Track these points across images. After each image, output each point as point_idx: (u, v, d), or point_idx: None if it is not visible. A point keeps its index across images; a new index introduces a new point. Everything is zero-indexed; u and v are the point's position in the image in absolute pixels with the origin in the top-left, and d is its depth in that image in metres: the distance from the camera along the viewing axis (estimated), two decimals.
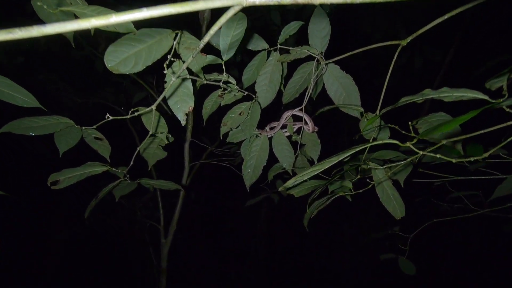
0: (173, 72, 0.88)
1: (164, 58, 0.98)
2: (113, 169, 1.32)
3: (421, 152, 0.78)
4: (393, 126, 0.95)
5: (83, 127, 1.18)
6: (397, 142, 0.67)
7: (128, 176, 1.38)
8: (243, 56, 3.25)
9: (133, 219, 4.15)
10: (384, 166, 1.06)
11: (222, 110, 1.60)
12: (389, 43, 0.99)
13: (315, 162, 1.73)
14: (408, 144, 0.66)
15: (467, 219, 2.22)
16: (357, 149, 0.66)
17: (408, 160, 0.86)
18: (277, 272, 6.39)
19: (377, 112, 1.11)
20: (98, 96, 4.15)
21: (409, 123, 0.93)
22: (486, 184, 2.05)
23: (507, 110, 0.71)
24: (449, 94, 0.71)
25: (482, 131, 0.75)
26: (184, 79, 1.00)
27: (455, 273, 5.27)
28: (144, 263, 4.52)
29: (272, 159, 1.75)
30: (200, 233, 6.55)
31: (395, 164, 1.01)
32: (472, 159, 0.80)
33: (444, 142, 0.73)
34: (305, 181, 1.61)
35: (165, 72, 0.85)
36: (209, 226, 6.78)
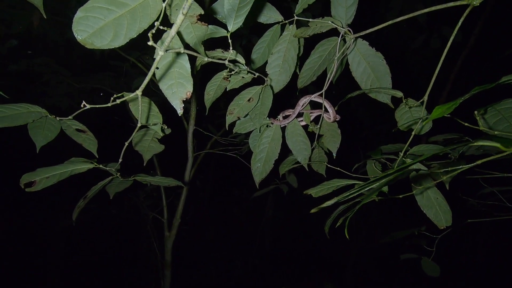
0: (161, 47, 0.66)
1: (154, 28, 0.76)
2: (101, 166, 1.12)
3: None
4: (456, 119, 0.72)
5: (59, 118, 0.97)
6: (498, 145, 0.45)
7: (119, 173, 1.18)
8: (250, 35, 2.98)
9: (137, 209, 4.02)
10: (441, 170, 0.84)
11: (229, 95, 1.38)
12: (454, 4, 0.74)
13: (334, 155, 1.52)
14: None
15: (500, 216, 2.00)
16: (425, 157, 0.44)
17: (471, 165, 0.64)
18: (283, 262, 6.32)
19: (425, 97, 0.88)
20: (97, 81, 3.93)
21: (475, 112, 0.70)
22: None
23: None
24: None
25: None
26: (179, 57, 0.77)
27: (481, 275, 5.06)
28: (149, 254, 4.44)
29: (284, 151, 1.54)
30: (205, 222, 6.46)
31: (455, 169, 0.78)
32: None
33: None
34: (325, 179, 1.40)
35: (149, 43, 0.63)
36: (215, 215, 6.68)
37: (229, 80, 1.12)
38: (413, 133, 0.93)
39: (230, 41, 0.84)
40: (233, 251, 6.28)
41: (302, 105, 1.34)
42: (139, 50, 3.22)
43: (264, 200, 6.33)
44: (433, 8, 0.79)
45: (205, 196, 6.44)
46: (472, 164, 0.63)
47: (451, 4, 0.75)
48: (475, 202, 2.10)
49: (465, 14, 0.75)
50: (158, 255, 3.19)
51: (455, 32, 0.75)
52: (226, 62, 0.83)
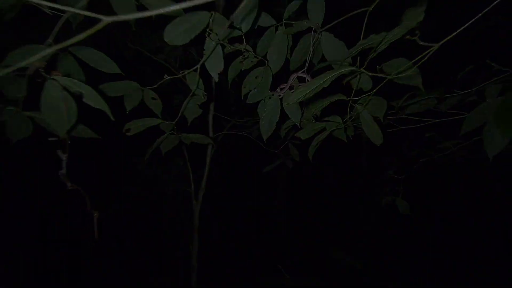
0: (211, 40, 1.31)
1: (196, 37, 1.41)
2: (165, 122, 1.78)
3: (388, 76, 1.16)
4: (365, 71, 1.33)
5: (144, 88, 1.64)
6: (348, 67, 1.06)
7: (175, 127, 1.84)
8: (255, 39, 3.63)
9: (166, 191, 4.75)
10: (359, 97, 1.46)
11: (238, 93, 2.02)
12: None
13: (318, 116, 2.14)
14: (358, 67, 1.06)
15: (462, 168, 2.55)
16: (338, 72, 1.06)
17: (379, 86, 1.26)
18: (293, 232, 7.08)
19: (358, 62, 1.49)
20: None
21: (377, 67, 1.32)
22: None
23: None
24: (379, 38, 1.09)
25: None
26: (217, 47, 1.42)
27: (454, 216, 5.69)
28: (178, 226, 5.14)
29: (284, 118, 2.17)
30: (223, 199, 7.25)
31: (367, 94, 1.40)
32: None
33: (401, 69, 1.12)
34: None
35: (207, 39, 1.28)
36: (231, 193, 7.45)
37: (243, 64, 1.77)
38: (354, 87, 1.54)
39: (243, 37, 1.48)
40: (246, 227, 7.06)
41: (292, 79, 1.97)
42: (164, 54, 3.93)
43: (275, 178, 7.11)
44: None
45: (223, 176, 7.19)
46: (381, 84, 1.24)
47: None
48: (435, 155, 2.66)
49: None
50: (187, 220, 3.84)
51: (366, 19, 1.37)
52: (243, 48, 1.47)
